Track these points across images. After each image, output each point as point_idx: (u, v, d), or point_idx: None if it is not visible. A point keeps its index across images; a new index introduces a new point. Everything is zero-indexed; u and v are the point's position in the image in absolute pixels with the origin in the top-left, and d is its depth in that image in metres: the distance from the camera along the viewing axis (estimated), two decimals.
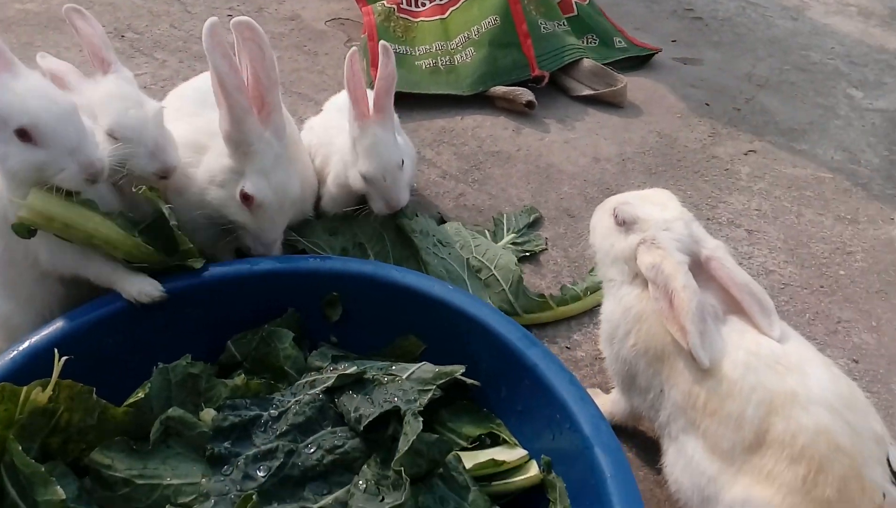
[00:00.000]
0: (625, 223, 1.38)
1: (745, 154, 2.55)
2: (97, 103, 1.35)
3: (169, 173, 1.40)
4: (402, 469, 1.04)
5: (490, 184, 2.27)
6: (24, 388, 1.06)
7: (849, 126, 2.80)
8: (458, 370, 1.30)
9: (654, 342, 1.30)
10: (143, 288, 1.28)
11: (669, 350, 1.27)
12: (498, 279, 1.79)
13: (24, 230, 1.21)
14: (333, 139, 1.77)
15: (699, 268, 1.30)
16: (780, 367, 1.18)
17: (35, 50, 1.54)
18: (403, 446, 1.07)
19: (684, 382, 1.24)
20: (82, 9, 1.43)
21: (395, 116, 2.04)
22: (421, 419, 1.13)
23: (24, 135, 1.16)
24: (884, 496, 1.09)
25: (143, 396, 1.14)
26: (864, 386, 1.71)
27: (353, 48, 1.65)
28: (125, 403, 1.14)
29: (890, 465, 1.12)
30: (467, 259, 1.80)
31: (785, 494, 1.11)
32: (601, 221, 1.47)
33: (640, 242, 1.33)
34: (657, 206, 1.38)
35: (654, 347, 1.30)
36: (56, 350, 1.09)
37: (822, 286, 2.00)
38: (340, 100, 1.93)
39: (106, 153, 1.25)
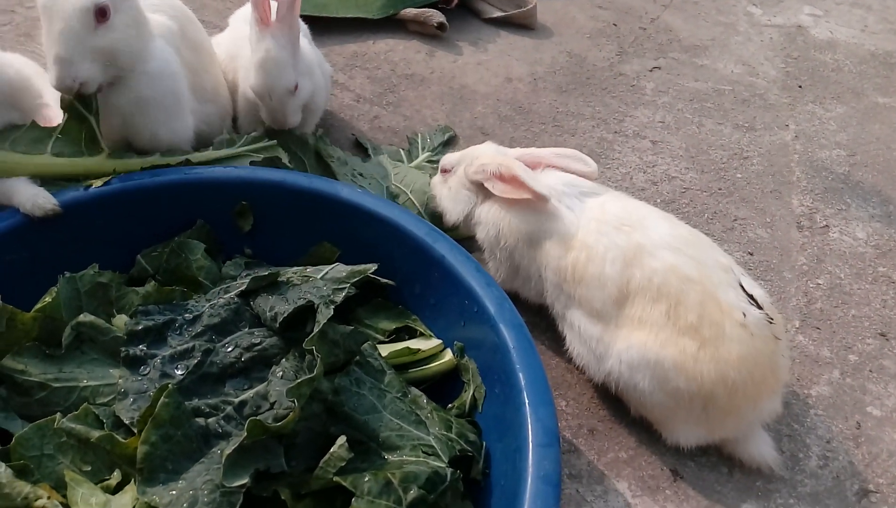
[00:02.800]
0: (451, 168, 1.61)
1: (650, 70, 2.64)
2: None
3: None
4: (314, 348, 1.07)
5: (405, 106, 2.29)
6: None
7: (748, 41, 2.93)
8: (371, 267, 1.34)
9: (519, 234, 1.45)
10: (36, 200, 1.26)
11: (536, 237, 1.43)
12: (414, 202, 1.82)
13: None
14: (241, 50, 1.73)
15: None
16: (625, 227, 1.34)
17: None
18: (315, 329, 1.11)
19: (553, 260, 1.40)
20: None
21: (306, 28, 2.01)
22: (332, 307, 1.17)
23: None
24: (744, 315, 1.22)
25: (50, 300, 1.13)
26: (759, 275, 1.85)
27: None
28: (34, 309, 1.13)
29: (744, 289, 1.26)
30: (386, 186, 1.82)
31: (657, 332, 1.26)
32: (438, 189, 1.67)
33: (466, 166, 1.56)
34: (469, 149, 1.63)
35: (521, 239, 1.45)
36: None
37: (720, 189, 2.12)
38: (246, 11, 1.88)
39: None
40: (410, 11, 2.60)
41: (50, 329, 1.14)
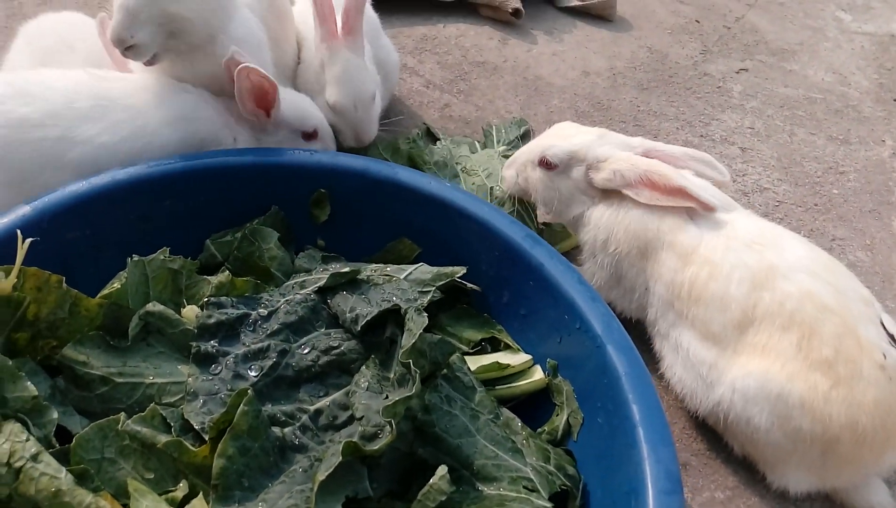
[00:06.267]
0: (560, 164, 1.39)
1: (737, 73, 2.47)
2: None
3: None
4: (410, 362, 0.96)
5: (476, 95, 2.16)
6: None
7: (838, 48, 2.74)
8: (459, 271, 1.23)
9: (636, 241, 1.31)
10: None
11: (652, 246, 1.29)
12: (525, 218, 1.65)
13: None
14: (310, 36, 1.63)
15: None
16: (756, 246, 1.21)
17: None
18: (409, 340, 1.00)
19: (667, 272, 1.27)
20: None
21: (376, 18, 1.89)
22: (425, 314, 1.05)
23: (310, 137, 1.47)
24: (884, 356, 1.08)
25: (118, 287, 1.03)
26: None
27: None
28: (99, 294, 1.03)
29: (885, 327, 1.12)
30: (491, 188, 1.64)
31: (783, 362, 1.12)
32: (531, 178, 1.45)
33: (587, 168, 1.36)
34: (575, 135, 1.41)
35: (636, 246, 1.31)
36: (20, 233, 0.97)
37: (816, 204, 1.97)
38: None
39: None
40: None
41: (115, 317, 1.03)
